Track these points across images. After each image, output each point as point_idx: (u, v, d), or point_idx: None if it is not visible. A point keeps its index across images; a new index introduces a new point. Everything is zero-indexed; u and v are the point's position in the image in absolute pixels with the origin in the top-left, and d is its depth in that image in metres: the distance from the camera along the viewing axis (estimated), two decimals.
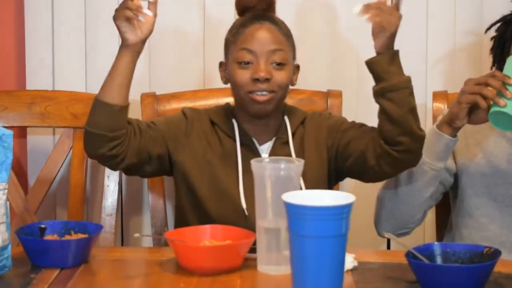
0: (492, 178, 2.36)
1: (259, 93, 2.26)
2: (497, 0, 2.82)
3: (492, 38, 2.44)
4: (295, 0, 2.93)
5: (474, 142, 2.40)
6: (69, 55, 2.94)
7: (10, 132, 1.93)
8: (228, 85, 2.37)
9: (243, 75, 2.27)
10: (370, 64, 2.20)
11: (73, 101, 2.74)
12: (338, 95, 2.71)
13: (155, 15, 2.16)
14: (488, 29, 2.47)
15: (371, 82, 2.96)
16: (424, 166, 2.28)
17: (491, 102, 2.12)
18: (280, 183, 1.86)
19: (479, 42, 2.71)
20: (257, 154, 2.32)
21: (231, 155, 2.32)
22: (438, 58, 2.95)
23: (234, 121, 2.35)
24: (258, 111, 2.30)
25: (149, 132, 2.28)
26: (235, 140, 2.33)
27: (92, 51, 2.94)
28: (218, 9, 2.93)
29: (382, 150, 2.20)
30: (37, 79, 2.93)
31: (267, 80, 2.25)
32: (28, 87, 2.92)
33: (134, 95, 2.74)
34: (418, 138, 2.20)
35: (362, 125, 2.35)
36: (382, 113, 2.21)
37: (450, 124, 2.25)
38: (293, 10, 2.92)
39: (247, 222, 2.17)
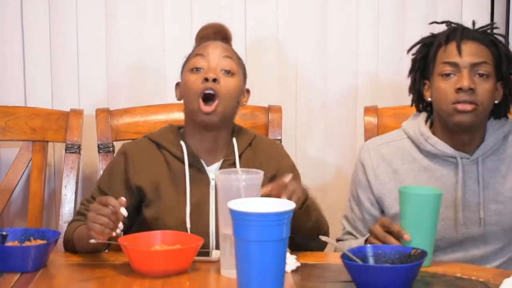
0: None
1: (206, 92, 2.19)
2: (418, 23, 2.87)
3: (412, 59, 2.36)
4: (245, 30, 2.95)
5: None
6: (38, 71, 2.91)
7: None
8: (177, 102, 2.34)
9: (195, 80, 2.21)
10: None
11: (32, 115, 2.72)
12: (278, 110, 2.72)
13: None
14: (410, 49, 2.36)
15: (308, 99, 3.00)
16: None
17: None
18: (241, 193, 1.84)
19: (400, 59, 2.72)
20: (205, 175, 2.25)
21: (179, 177, 2.24)
22: (367, 73, 2.97)
23: (182, 142, 2.28)
24: (204, 121, 2.21)
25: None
26: (183, 162, 2.26)
27: (56, 67, 2.92)
28: (176, 25, 2.93)
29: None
30: (7, 94, 2.89)
31: (214, 81, 2.19)
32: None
33: (91, 111, 2.74)
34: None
35: None
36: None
37: None
38: (243, 39, 2.93)
39: None
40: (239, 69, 2.29)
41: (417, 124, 2.32)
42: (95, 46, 2.93)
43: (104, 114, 2.69)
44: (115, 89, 2.94)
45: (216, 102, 2.20)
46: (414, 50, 2.35)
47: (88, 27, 2.92)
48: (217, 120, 2.22)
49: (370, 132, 2.62)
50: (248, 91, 2.35)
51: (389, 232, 2.00)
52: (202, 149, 2.27)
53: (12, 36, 2.90)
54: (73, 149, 2.67)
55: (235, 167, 2.26)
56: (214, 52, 2.25)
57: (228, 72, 2.24)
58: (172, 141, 2.29)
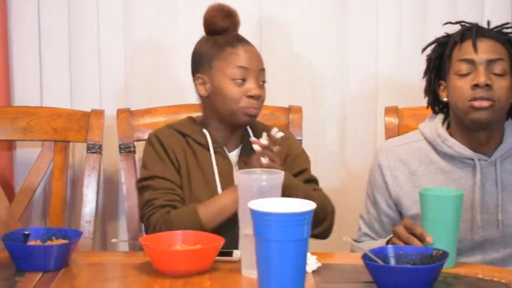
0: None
1: (252, 109, 2.31)
2: (440, 20, 2.85)
3: (427, 59, 2.35)
4: (258, 22, 2.95)
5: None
6: (55, 72, 2.91)
7: None
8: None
9: (238, 92, 2.30)
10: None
11: (54, 116, 2.72)
12: (298, 110, 2.71)
13: None
14: (424, 49, 2.36)
15: (328, 99, 3.00)
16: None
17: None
18: (262, 193, 1.84)
19: (422, 58, 2.72)
20: (227, 159, 2.36)
21: (205, 163, 2.34)
22: (387, 75, 2.97)
23: (205, 131, 2.37)
24: (247, 122, 2.34)
25: (177, 190, 2.30)
26: (206, 149, 2.35)
27: (76, 68, 2.92)
28: (193, 26, 2.93)
29: None
30: (24, 95, 2.90)
31: (259, 97, 2.31)
32: (16, 103, 2.90)
33: (112, 111, 2.74)
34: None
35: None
36: None
37: None
38: (258, 33, 2.93)
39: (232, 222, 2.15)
40: None
41: (434, 125, 2.30)
42: (113, 45, 2.94)
43: (125, 114, 2.69)
44: (133, 89, 2.95)
45: (259, 110, 2.34)
46: (428, 51, 2.34)
47: (107, 26, 2.93)
48: (254, 121, 2.36)
49: (391, 132, 2.61)
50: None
51: (412, 234, 2.00)
52: (221, 137, 2.38)
53: (30, 37, 2.90)
54: (94, 149, 2.68)
55: (253, 151, 2.30)
56: (256, 66, 2.33)
57: (263, 82, 2.35)
58: (195, 130, 2.38)
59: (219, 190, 2.31)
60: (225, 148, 2.37)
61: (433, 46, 2.33)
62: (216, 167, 2.33)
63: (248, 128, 2.41)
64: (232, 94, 2.30)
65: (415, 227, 1.99)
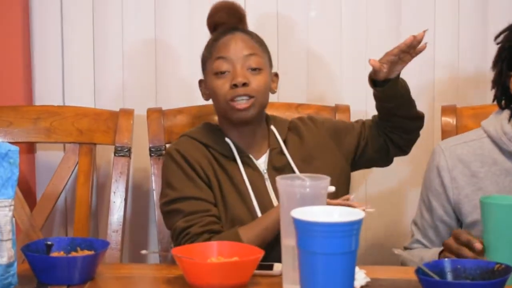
0: None
1: (239, 99, 2.24)
2: (501, 14, 2.81)
3: (498, 48, 2.31)
4: (307, 23, 2.95)
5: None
6: (78, 70, 2.93)
7: (16, 148, 1.90)
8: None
9: (222, 85, 2.26)
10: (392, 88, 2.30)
11: (79, 116, 2.72)
12: (345, 109, 2.70)
13: None
14: (497, 37, 2.31)
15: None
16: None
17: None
18: (306, 201, 1.80)
19: (483, 55, 2.70)
20: (256, 170, 2.31)
21: (236, 176, 2.28)
22: (444, 73, 2.93)
23: (228, 140, 2.32)
24: (240, 118, 2.27)
25: (212, 209, 2.25)
26: (231, 160, 2.30)
27: (100, 66, 2.93)
28: None
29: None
30: (45, 94, 2.91)
31: (244, 85, 2.24)
32: (36, 102, 2.90)
33: (141, 111, 2.73)
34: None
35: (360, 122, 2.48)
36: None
37: None
38: (305, 31, 2.94)
39: None
40: (265, 59, 2.32)
41: (500, 122, 2.25)
42: (138, 43, 2.95)
43: (156, 114, 2.68)
44: (160, 89, 2.95)
45: (251, 101, 2.26)
46: (500, 38, 2.29)
47: (134, 24, 2.94)
48: (254, 114, 2.28)
49: (448, 134, 2.58)
50: (276, 75, 2.39)
51: (462, 243, 1.95)
52: (243, 144, 2.33)
53: (52, 33, 2.93)
54: (123, 152, 2.67)
55: (283, 155, 2.33)
56: (237, 52, 2.28)
57: (255, 69, 2.28)
58: (216, 139, 2.33)
59: (256, 205, 2.26)
60: (251, 157, 2.32)
61: (505, 33, 2.28)
62: (247, 180, 2.27)
63: (273, 127, 2.36)
64: (216, 89, 2.26)
65: (461, 235, 1.95)
